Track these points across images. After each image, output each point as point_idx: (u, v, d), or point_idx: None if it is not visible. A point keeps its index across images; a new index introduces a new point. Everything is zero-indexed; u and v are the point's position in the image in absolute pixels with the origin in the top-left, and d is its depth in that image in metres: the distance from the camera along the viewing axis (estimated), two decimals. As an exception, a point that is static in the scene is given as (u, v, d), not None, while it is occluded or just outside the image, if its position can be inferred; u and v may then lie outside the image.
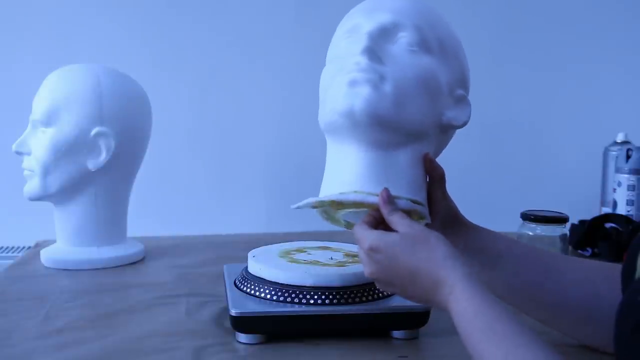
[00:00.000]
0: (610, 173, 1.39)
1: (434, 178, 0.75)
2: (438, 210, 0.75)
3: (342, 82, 0.69)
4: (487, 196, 1.70)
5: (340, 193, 0.69)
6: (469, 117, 0.76)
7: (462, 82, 0.78)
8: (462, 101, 0.76)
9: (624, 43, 1.74)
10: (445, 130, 0.77)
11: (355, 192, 0.69)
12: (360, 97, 0.67)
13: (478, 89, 1.73)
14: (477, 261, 0.75)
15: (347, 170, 0.70)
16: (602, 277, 0.71)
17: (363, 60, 0.68)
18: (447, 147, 1.66)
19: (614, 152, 1.39)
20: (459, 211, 0.79)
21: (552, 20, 1.72)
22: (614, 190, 1.33)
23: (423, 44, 0.72)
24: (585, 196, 1.49)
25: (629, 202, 1.29)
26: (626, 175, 1.29)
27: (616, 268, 0.69)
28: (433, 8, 0.77)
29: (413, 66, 0.71)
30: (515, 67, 1.72)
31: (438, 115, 0.74)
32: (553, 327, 0.75)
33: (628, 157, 1.29)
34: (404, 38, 0.72)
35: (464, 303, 0.58)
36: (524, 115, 1.73)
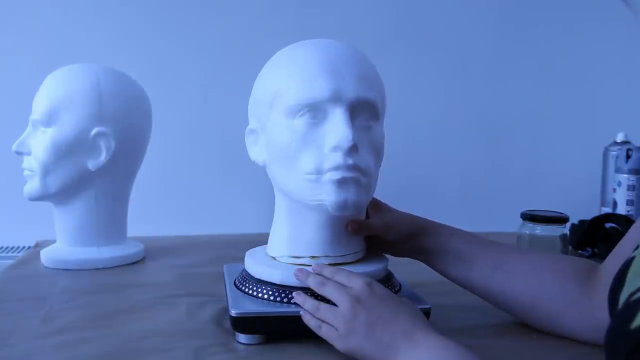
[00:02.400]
0: (610, 173, 1.39)
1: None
2: (389, 230, 0.82)
3: (330, 179, 0.72)
4: (487, 196, 1.70)
5: (312, 257, 0.78)
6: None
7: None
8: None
9: (624, 43, 1.74)
10: None
11: (327, 256, 0.78)
12: (351, 195, 0.72)
13: (478, 89, 1.75)
14: (442, 259, 0.82)
15: (313, 235, 0.78)
16: (547, 268, 0.77)
17: (349, 159, 0.71)
18: (447, 146, 1.67)
19: (614, 152, 1.39)
20: (405, 217, 0.84)
21: (552, 20, 1.72)
22: (614, 190, 1.33)
23: (376, 115, 0.76)
24: (585, 196, 1.49)
25: (629, 202, 1.29)
26: (626, 175, 1.29)
27: (561, 259, 0.80)
28: (370, 62, 0.79)
29: (374, 142, 0.76)
30: (515, 67, 1.72)
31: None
32: (510, 314, 0.82)
33: (628, 157, 1.29)
34: (365, 113, 0.75)
35: (441, 345, 0.61)
36: (524, 115, 1.73)
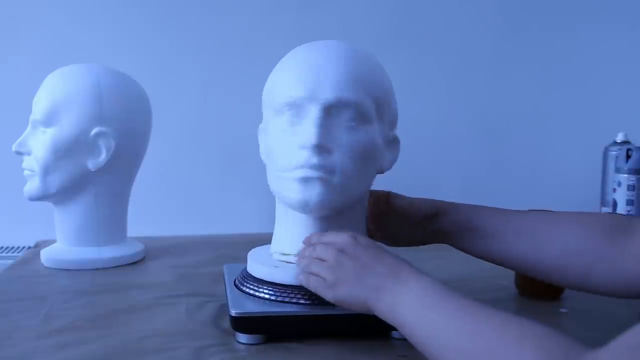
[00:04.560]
0: (610, 173, 1.39)
1: (380, 208, 0.85)
2: (410, 217, 0.84)
3: (294, 176, 0.73)
4: (488, 196, 1.69)
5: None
6: (398, 156, 0.83)
7: (394, 123, 0.82)
8: (393, 143, 0.82)
9: (624, 43, 1.74)
10: (378, 173, 0.82)
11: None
12: (314, 194, 0.72)
13: (478, 89, 1.75)
14: (464, 238, 0.83)
15: (297, 234, 0.78)
16: (570, 229, 0.76)
17: (314, 157, 0.71)
18: (447, 146, 1.67)
19: (613, 152, 1.39)
20: (424, 200, 0.87)
21: (552, 19, 1.72)
22: (614, 190, 1.33)
23: (363, 116, 0.75)
24: (585, 196, 1.49)
25: (629, 202, 1.29)
26: (626, 175, 1.29)
27: (586, 216, 0.77)
28: (370, 63, 0.78)
29: (357, 143, 0.74)
30: (515, 68, 1.72)
31: (375, 171, 0.80)
32: (539, 278, 0.80)
33: (628, 157, 1.29)
34: (346, 114, 0.74)
35: (427, 281, 0.64)
36: (524, 115, 1.73)
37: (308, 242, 0.76)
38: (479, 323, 0.57)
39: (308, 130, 0.72)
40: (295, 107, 0.74)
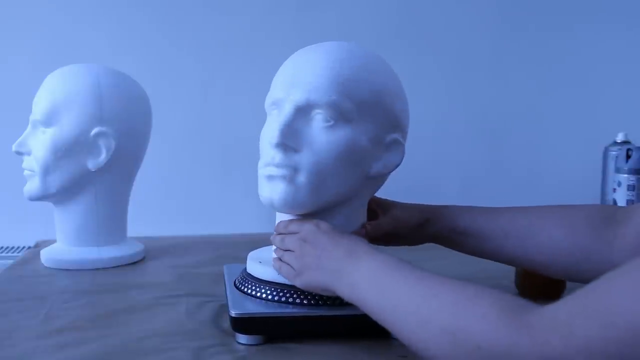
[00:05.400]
0: (610, 173, 1.39)
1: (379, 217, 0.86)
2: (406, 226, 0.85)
3: (262, 174, 0.76)
4: (487, 196, 1.69)
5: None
6: (402, 159, 0.80)
7: (395, 126, 0.79)
8: (393, 145, 0.79)
9: (623, 42, 1.74)
10: (375, 178, 0.80)
11: None
12: (276, 192, 0.74)
13: (478, 89, 1.75)
14: (453, 241, 0.84)
15: None
16: (556, 224, 0.76)
17: (277, 156, 0.73)
18: (447, 146, 1.67)
19: (613, 152, 1.39)
20: (411, 209, 0.87)
21: (552, 19, 1.72)
22: (614, 190, 1.33)
23: (340, 116, 0.74)
24: (585, 196, 1.48)
25: (629, 202, 1.29)
26: (626, 175, 1.29)
27: (571, 211, 0.77)
28: (356, 65, 0.77)
29: (330, 143, 0.74)
30: (515, 67, 1.72)
31: (363, 173, 0.78)
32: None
33: (628, 157, 1.29)
34: (320, 114, 0.74)
35: (382, 256, 0.66)
36: (524, 115, 1.74)
37: (277, 231, 0.79)
38: (434, 288, 0.58)
39: (274, 128, 0.73)
40: (277, 107, 0.77)
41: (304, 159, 0.73)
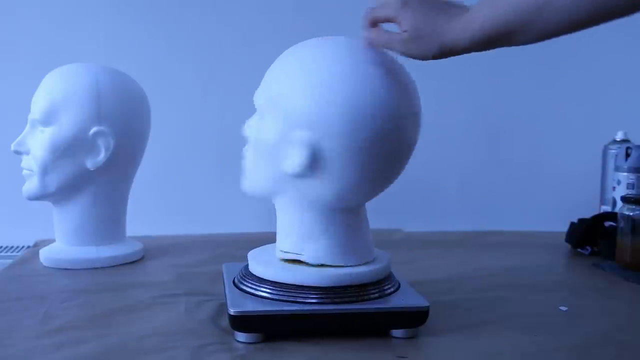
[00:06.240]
0: (609, 171, 1.39)
1: None
2: None
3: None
4: (487, 195, 1.70)
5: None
6: (300, 158, 0.74)
7: (293, 120, 0.75)
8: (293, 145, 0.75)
9: (623, 41, 1.74)
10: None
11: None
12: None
13: (477, 88, 1.75)
14: None
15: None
16: None
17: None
18: (447, 146, 1.67)
19: (613, 151, 1.39)
20: None
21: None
22: (614, 188, 1.33)
23: (267, 111, 0.78)
24: (584, 195, 1.49)
25: (629, 201, 1.29)
26: (625, 174, 1.29)
27: None
28: (285, 60, 0.79)
29: (258, 137, 0.81)
30: (515, 67, 1.72)
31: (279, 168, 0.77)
32: None
33: (627, 155, 1.29)
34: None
35: None
36: (524, 113, 1.73)
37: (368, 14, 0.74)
38: None
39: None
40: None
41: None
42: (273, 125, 0.76)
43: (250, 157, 0.83)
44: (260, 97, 0.80)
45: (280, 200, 0.81)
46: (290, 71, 0.76)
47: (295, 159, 0.73)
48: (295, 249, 0.79)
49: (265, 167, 0.80)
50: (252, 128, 0.83)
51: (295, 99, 0.74)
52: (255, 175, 0.83)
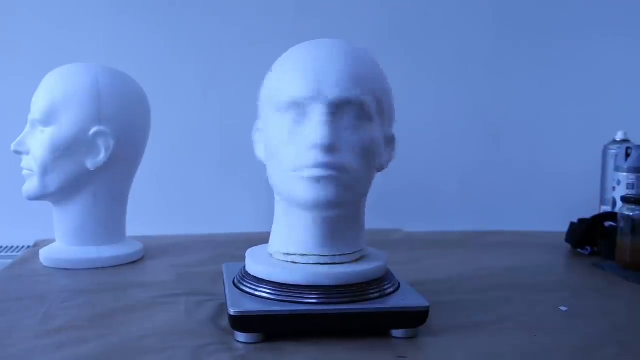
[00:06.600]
0: (609, 171, 1.39)
1: None
2: None
3: (304, 175, 0.73)
4: (487, 195, 1.70)
5: (302, 254, 0.79)
6: (395, 154, 0.82)
7: (392, 120, 0.82)
8: (391, 141, 0.81)
9: (623, 41, 1.74)
10: (378, 171, 0.81)
11: (317, 254, 0.79)
12: (326, 192, 0.73)
13: (477, 88, 1.75)
14: None
15: (303, 233, 0.79)
16: None
17: (325, 157, 0.72)
18: (447, 146, 1.67)
19: (613, 151, 1.39)
20: None
21: (552, 18, 1.72)
22: (614, 188, 1.33)
23: (365, 116, 0.75)
24: (584, 195, 1.49)
25: (629, 201, 1.29)
26: (625, 174, 1.29)
27: None
28: (369, 61, 0.78)
29: (359, 142, 0.75)
30: (514, 66, 1.72)
31: (376, 167, 0.79)
32: None
33: (627, 155, 1.29)
34: (350, 112, 0.74)
35: None
36: (523, 113, 1.73)
37: None
38: None
39: (317, 129, 0.72)
40: (299, 106, 0.75)
41: (348, 159, 0.74)
42: (377, 127, 0.78)
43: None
44: (368, 100, 0.76)
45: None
46: (382, 74, 0.78)
47: (390, 155, 0.80)
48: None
49: (368, 168, 0.78)
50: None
51: (392, 99, 0.78)
52: (361, 180, 0.78)
